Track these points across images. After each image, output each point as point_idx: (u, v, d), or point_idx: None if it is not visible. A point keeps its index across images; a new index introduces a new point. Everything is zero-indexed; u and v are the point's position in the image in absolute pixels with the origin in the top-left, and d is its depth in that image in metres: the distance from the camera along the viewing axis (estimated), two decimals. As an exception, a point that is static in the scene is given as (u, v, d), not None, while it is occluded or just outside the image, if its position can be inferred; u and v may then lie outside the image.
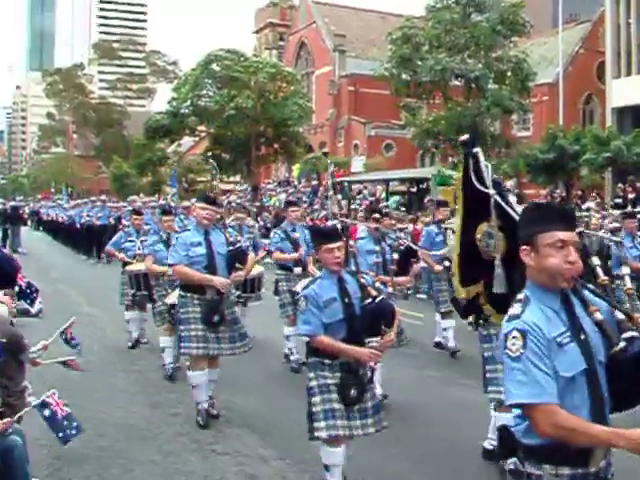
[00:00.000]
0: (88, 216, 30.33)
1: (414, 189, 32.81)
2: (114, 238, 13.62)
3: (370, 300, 5.87)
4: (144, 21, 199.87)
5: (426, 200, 29.14)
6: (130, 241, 12.86)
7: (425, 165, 49.58)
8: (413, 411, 8.86)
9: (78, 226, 31.29)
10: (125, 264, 12.66)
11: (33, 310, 15.04)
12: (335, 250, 5.85)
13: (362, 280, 6.01)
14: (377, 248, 9.77)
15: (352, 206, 31.99)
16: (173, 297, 9.37)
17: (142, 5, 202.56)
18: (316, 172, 50.87)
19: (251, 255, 9.44)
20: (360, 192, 38.36)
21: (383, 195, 34.61)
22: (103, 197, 37.17)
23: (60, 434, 6.37)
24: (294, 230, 11.38)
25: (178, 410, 8.80)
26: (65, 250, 33.76)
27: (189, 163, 62.35)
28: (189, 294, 8.18)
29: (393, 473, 6.89)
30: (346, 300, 5.83)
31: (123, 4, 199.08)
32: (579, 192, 33.52)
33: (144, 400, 9.26)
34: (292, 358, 10.85)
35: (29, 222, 54.00)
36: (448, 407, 8.92)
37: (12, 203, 40.20)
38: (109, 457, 7.19)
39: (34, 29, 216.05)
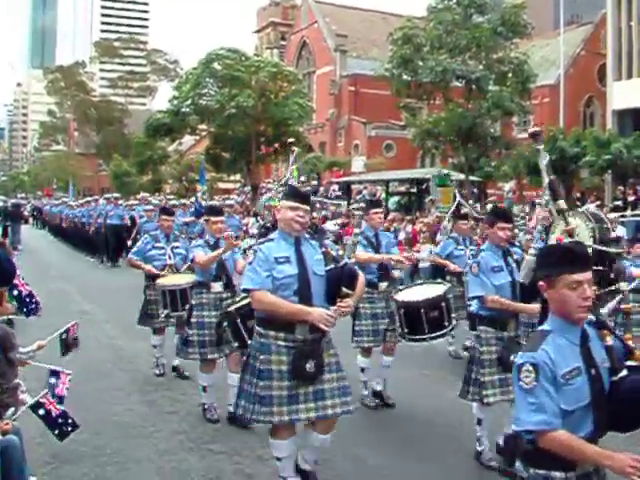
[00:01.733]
0: (99, 215, 27.35)
1: (414, 190, 32.84)
2: (138, 244, 10.84)
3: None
4: (146, 19, 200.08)
5: (427, 200, 29.18)
6: (158, 248, 10.45)
7: (425, 166, 49.62)
8: (412, 410, 8.86)
9: (89, 227, 28.31)
10: (152, 277, 10.23)
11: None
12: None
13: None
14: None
15: (352, 206, 32.02)
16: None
17: (144, 4, 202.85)
18: (316, 172, 50.93)
19: (361, 277, 6.10)
20: (360, 192, 38.40)
21: (383, 195, 34.62)
22: (117, 194, 33.42)
23: (56, 431, 6.42)
24: (377, 236, 9.23)
25: (175, 408, 8.81)
26: (64, 248, 33.68)
27: (189, 162, 62.38)
28: (272, 332, 5.67)
29: (393, 471, 6.90)
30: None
31: (125, 2, 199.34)
32: (579, 194, 33.54)
33: (141, 398, 9.26)
34: (365, 393, 9.15)
35: (31, 220, 53.83)
36: (446, 406, 8.92)
37: (13, 200, 40.21)
38: (106, 455, 7.19)
39: (36, 26, 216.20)
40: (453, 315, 8.60)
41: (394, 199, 33.67)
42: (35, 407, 6.27)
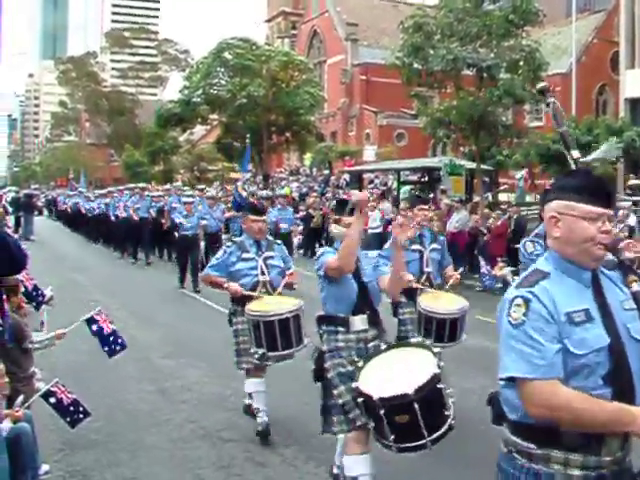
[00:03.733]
0: (125, 207, 25.39)
1: (425, 179, 32.75)
2: (218, 255, 7.85)
3: None
4: (156, 9, 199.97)
5: (440, 188, 29.10)
6: (246, 259, 7.56)
7: (437, 154, 49.48)
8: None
9: (113, 219, 26.59)
10: (239, 300, 7.42)
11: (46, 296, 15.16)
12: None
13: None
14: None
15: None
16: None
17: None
18: (328, 161, 50.87)
19: None
20: (372, 181, 38.34)
21: (395, 184, 34.54)
22: (142, 184, 31.37)
23: (68, 419, 6.49)
24: (421, 236, 8.31)
25: (186, 397, 8.85)
26: (78, 240, 33.75)
27: (201, 151, 62.54)
28: (558, 454, 2.91)
29: (400, 458, 6.90)
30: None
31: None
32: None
33: (152, 387, 9.31)
34: None
35: (45, 211, 53.69)
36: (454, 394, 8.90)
37: (25, 191, 40.27)
38: (117, 443, 7.23)
39: (47, 17, 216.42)
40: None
41: (405, 188, 33.57)
42: (46, 395, 6.34)
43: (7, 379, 5.87)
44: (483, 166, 27.59)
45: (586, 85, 47.48)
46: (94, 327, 7.25)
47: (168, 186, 33.95)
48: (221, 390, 9.07)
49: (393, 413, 4.64)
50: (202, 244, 19.33)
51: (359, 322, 5.60)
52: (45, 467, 6.29)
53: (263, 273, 7.58)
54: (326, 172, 44.24)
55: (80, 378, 7.34)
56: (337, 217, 5.83)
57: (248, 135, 32.45)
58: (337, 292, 5.61)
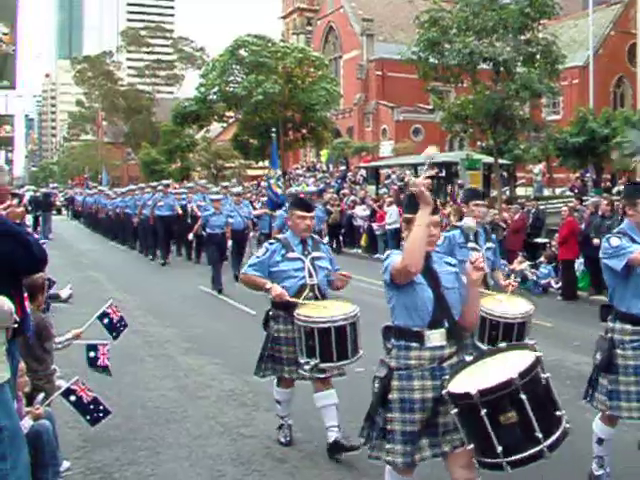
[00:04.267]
0: (145, 206, 24.55)
1: (442, 173, 32.69)
2: (259, 253, 7.14)
3: None
4: (171, 7, 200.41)
5: (457, 183, 29.02)
6: (291, 259, 6.89)
7: (454, 149, 49.40)
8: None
9: (134, 218, 25.54)
10: (281, 305, 6.79)
11: (63, 295, 15.26)
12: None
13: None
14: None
15: (380, 191, 31.97)
16: None
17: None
18: (344, 157, 50.85)
19: None
20: (389, 177, 38.31)
21: (412, 180, 34.48)
22: (166, 182, 29.04)
23: (88, 417, 6.51)
24: (476, 234, 7.80)
25: (206, 393, 8.86)
26: (97, 239, 33.85)
27: (218, 149, 62.60)
28: None
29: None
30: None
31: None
32: (609, 176, 33.21)
33: (172, 384, 9.32)
34: None
35: (63, 210, 53.81)
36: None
37: (44, 190, 40.48)
38: (137, 440, 7.25)
39: (62, 17, 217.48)
40: None
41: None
42: (66, 393, 6.36)
43: (27, 377, 5.91)
44: (500, 160, 27.49)
45: (603, 77, 47.22)
46: (105, 320, 7.47)
47: (191, 184, 32.44)
48: (240, 386, 9.08)
49: (498, 411, 4.05)
50: (229, 243, 18.65)
51: (436, 337, 4.75)
52: (66, 464, 6.32)
53: (311, 275, 6.87)
54: (343, 168, 44.24)
55: (100, 375, 7.34)
56: (408, 216, 4.82)
57: (273, 130, 32.14)
58: (409, 301, 4.79)
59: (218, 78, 44.06)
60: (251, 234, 20.78)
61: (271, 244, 7.08)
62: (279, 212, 16.37)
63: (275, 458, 6.78)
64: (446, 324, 4.75)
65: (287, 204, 17.63)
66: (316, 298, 6.79)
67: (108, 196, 33.76)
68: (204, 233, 18.84)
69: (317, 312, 6.38)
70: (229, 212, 19.06)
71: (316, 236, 7.41)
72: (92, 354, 7.13)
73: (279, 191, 18.46)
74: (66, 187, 75.82)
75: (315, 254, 7.02)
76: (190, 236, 20.99)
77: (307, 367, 6.31)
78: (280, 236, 7.38)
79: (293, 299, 6.65)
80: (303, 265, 6.90)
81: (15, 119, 44.54)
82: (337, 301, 6.77)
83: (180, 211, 23.84)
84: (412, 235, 4.60)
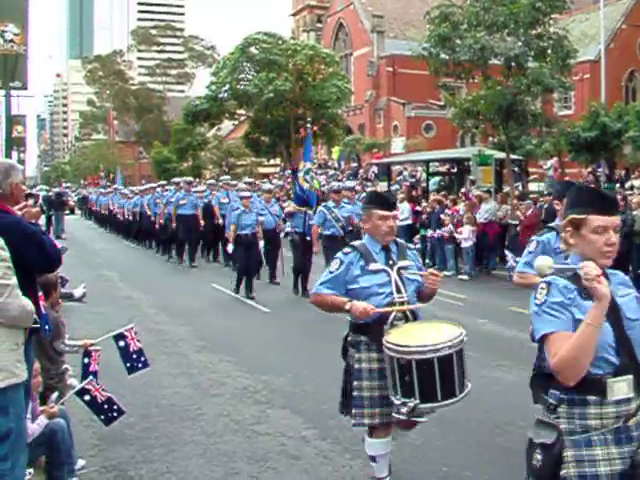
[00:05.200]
0: (167, 204, 23.36)
1: (455, 170, 32.61)
2: (332, 268, 5.65)
3: None
4: (181, 6, 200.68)
5: (469, 179, 28.91)
6: (373, 272, 5.47)
7: (465, 145, 49.26)
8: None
9: (155, 218, 24.65)
10: (364, 328, 5.48)
11: (77, 294, 15.32)
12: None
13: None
14: None
15: (392, 188, 31.92)
16: None
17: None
18: (356, 154, 50.82)
19: None
20: (400, 173, 38.25)
21: (424, 176, 34.43)
22: (188, 178, 26.82)
23: (102, 416, 6.54)
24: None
25: (220, 391, 8.87)
26: (111, 239, 33.96)
27: (229, 147, 62.71)
28: None
29: (432, 449, 6.89)
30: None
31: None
32: (622, 170, 33.04)
33: (186, 382, 9.33)
34: None
35: (76, 210, 53.62)
36: (485, 387, 8.90)
37: (56, 189, 40.57)
38: (152, 438, 7.26)
39: (73, 17, 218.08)
40: None
41: (435, 179, 33.45)
42: (81, 393, 6.39)
43: (40, 378, 5.94)
44: (512, 156, 27.40)
45: (615, 72, 46.97)
46: (121, 343, 7.11)
47: (212, 180, 30.14)
48: (254, 384, 9.09)
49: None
50: (261, 244, 17.37)
51: (621, 387, 3.45)
52: (81, 462, 6.34)
53: (399, 291, 5.50)
54: (354, 165, 44.19)
55: (114, 374, 7.37)
56: (578, 218, 3.53)
57: (309, 120, 31.82)
58: None
59: (229, 76, 44.10)
60: (281, 234, 20.00)
61: (346, 254, 5.63)
62: (319, 208, 16.17)
63: (289, 455, 6.77)
64: (632, 370, 3.48)
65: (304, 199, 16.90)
66: (407, 319, 5.50)
67: (125, 195, 32.80)
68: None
69: (413, 338, 5.08)
70: (259, 210, 17.99)
71: (401, 240, 5.95)
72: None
73: (306, 186, 16.68)
74: (79, 186, 76.02)
75: (402, 263, 5.64)
76: (229, 248, 17.72)
77: (404, 409, 5.01)
78: (357, 243, 5.78)
79: (384, 309, 5.39)
80: (389, 279, 5.53)
81: (27, 119, 44.70)
82: (435, 322, 5.57)
83: (200, 212, 22.32)
84: (579, 337, 3.34)
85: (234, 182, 25.85)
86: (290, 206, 18.29)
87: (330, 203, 16.13)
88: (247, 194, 17.79)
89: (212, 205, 22.78)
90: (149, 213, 25.90)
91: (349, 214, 16.01)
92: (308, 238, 16.08)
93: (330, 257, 12.20)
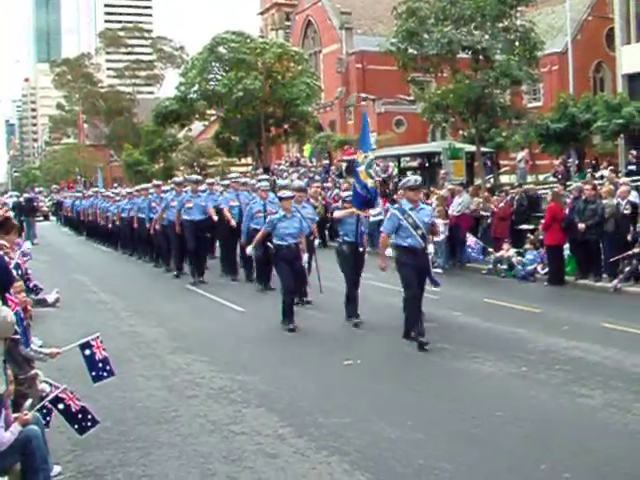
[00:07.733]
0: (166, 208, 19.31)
1: (426, 164, 32.72)
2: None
3: None
4: (149, 7, 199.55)
5: (442, 172, 29.04)
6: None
7: (436, 139, 49.40)
8: (425, 384, 8.86)
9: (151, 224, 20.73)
10: None
11: (50, 300, 15.18)
12: None
13: None
14: None
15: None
16: None
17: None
18: (327, 151, 50.77)
19: None
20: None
21: (395, 171, 34.49)
22: (179, 179, 22.55)
23: (76, 426, 6.46)
24: None
25: (195, 392, 8.83)
26: (82, 241, 33.71)
27: (200, 147, 62.53)
28: None
29: (407, 443, 6.89)
30: None
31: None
32: (593, 161, 33.30)
33: (161, 383, 9.28)
34: None
35: (51, 216, 51.83)
36: (458, 379, 8.95)
37: (26, 195, 40.14)
38: (128, 441, 7.22)
39: (40, 21, 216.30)
40: None
41: (407, 174, 33.57)
42: (54, 402, 6.32)
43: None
44: (483, 149, 27.56)
45: (583, 63, 47.31)
46: (87, 352, 6.90)
47: (211, 180, 24.86)
48: (229, 383, 9.06)
49: None
50: (305, 257, 13.48)
51: None
52: (57, 468, 6.30)
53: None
54: (326, 162, 44.18)
55: (88, 377, 7.30)
56: None
57: (365, 96, 31.48)
58: None
59: (198, 76, 44.03)
60: (316, 242, 16.07)
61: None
62: (391, 210, 11.86)
63: (266, 454, 6.76)
64: None
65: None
66: None
67: (109, 198, 28.62)
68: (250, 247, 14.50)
69: None
70: (260, 207, 16.00)
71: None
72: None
73: (370, 183, 12.62)
74: (52, 191, 75.22)
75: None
76: (249, 250, 14.58)
77: None
78: None
79: None
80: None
81: (-5, 125, 44.16)
82: None
83: (215, 216, 18.46)
84: None
85: (243, 180, 21.55)
86: (348, 210, 13.03)
87: (405, 203, 11.44)
88: (289, 194, 13.60)
89: (221, 208, 18.95)
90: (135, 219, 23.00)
91: (430, 219, 11.63)
92: (361, 249, 12.85)
93: (409, 278, 10.84)
